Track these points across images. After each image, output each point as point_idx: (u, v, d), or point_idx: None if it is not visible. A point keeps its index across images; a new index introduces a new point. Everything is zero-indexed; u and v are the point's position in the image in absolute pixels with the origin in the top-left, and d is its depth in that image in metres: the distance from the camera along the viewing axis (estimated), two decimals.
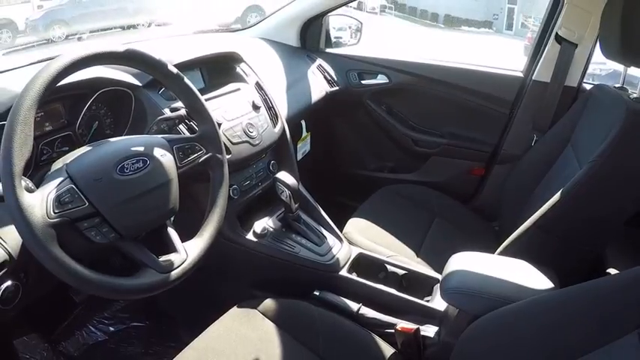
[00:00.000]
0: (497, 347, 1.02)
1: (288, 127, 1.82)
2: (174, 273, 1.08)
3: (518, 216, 1.88)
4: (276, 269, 1.58)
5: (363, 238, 1.80)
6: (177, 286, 1.11)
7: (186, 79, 1.22)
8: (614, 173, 1.44)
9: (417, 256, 1.81)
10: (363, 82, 2.52)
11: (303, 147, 2.20)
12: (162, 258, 1.09)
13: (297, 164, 1.86)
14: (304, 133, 2.17)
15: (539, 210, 1.51)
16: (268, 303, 1.39)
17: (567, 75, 2.14)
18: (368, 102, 2.52)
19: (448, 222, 2.09)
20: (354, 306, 1.47)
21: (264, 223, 1.61)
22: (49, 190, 0.96)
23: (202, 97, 1.27)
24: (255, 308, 1.38)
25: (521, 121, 2.28)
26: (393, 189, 2.23)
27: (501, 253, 1.57)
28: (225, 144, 1.32)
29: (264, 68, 1.93)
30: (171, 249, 1.13)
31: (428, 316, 1.46)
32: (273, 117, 1.74)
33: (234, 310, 1.38)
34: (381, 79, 2.49)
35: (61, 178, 0.98)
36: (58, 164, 1.04)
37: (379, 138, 2.58)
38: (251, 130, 1.58)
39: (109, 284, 0.99)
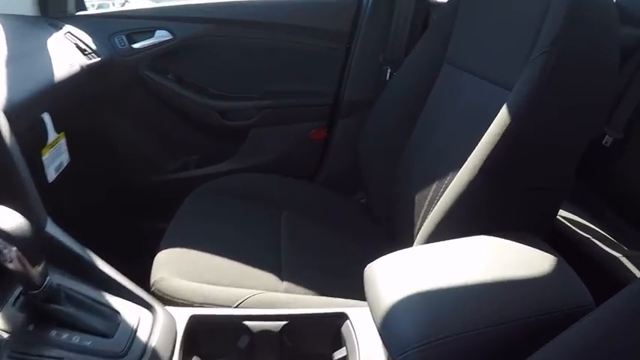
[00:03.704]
0: None
1: (19, 126, 0.98)
2: None
3: (400, 174, 1.39)
4: None
5: (186, 283, 1.07)
6: None
7: None
8: (569, 69, 0.95)
9: (282, 280, 1.13)
10: (135, 45, 1.71)
11: (56, 158, 1.35)
12: None
13: (47, 188, 1.15)
14: (52, 136, 1.34)
15: (477, 151, 0.96)
16: None
17: None
18: (146, 73, 1.73)
19: (301, 212, 1.46)
20: None
21: None
22: None
23: None
24: None
25: (365, 54, 1.76)
26: (210, 188, 1.53)
27: (436, 231, 0.99)
28: None
29: None
30: None
31: None
32: None
33: None
34: (161, 36, 1.72)
35: None
36: None
37: (172, 122, 1.83)
38: None
39: None
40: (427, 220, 1.00)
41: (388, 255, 0.80)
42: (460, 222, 0.95)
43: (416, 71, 1.45)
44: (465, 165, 0.96)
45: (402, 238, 1.24)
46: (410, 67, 1.49)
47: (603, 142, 1.58)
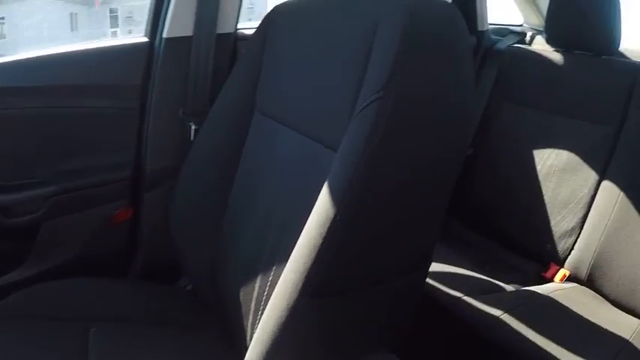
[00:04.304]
0: None
1: None
2: None
3: (221, 252, 1.16)
4: None
5: None
6: None
7: None
8: (413, 113, 0.74)
9: None
10: None
11: None
12: None
13: None
14: None
15: (294, 262, 0.72)
16: None
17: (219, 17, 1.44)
18: None
19: (113, 323, 1.17)
20: None
21: None
22: None
23: None
24: None
25: (163, 110, 1.46)
26: (7, 313, 1.17)
27: None
28: None
29: None
30: None
31: None
32: None
33: None
34: None
35: None
36: None
37: None
38: None
39: None
40: (254, 342, 0.79)
41: None
42: (291, 353, 0.73)
43: (224, 124, 1.23)
44: (282, 280, 0.72)
45: (235, 340, 1.03)
46: (216, 119, 1.26)
47: None
